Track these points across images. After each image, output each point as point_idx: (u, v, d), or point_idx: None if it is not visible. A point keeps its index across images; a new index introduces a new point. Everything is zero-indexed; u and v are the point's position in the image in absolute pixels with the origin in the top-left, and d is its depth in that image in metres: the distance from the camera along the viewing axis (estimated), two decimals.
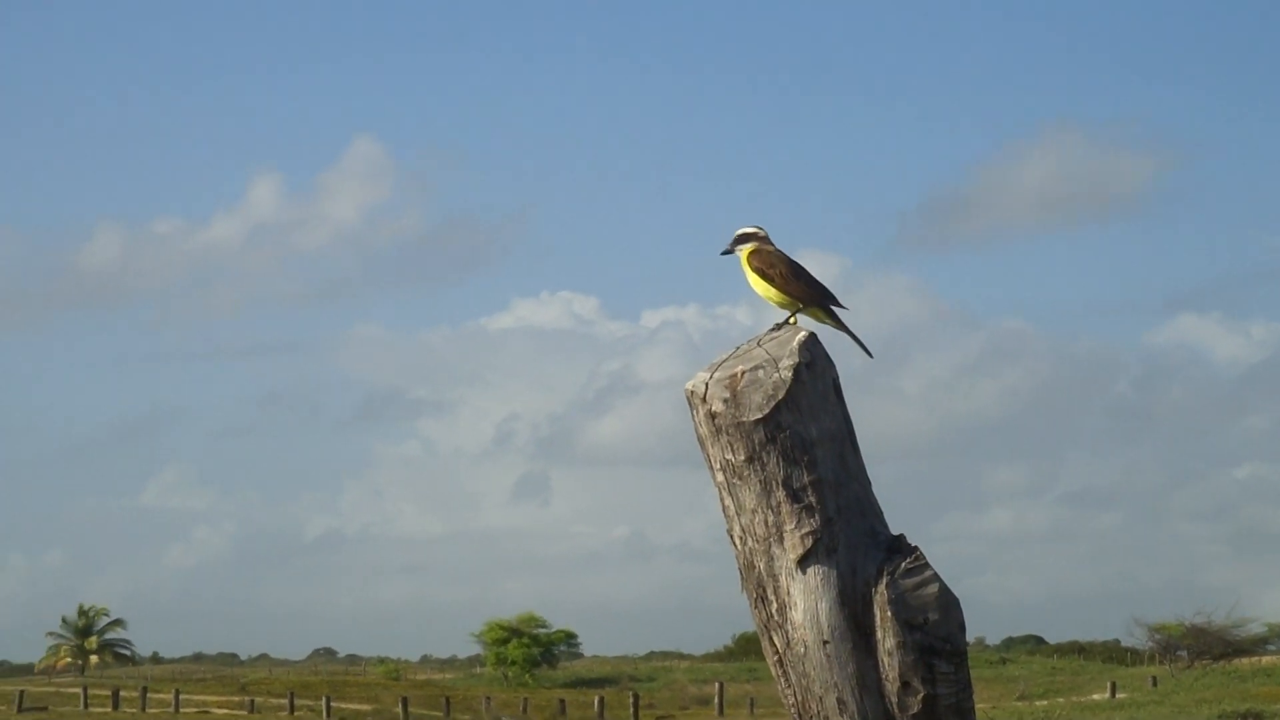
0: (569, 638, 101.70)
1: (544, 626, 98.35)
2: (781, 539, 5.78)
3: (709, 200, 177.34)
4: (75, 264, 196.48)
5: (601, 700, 76.57)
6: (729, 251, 6.79)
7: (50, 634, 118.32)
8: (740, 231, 6.65)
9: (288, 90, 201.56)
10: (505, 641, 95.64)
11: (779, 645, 5.79)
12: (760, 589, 5.86)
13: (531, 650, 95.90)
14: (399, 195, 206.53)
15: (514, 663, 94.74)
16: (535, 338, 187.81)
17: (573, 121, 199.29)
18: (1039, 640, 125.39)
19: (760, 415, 5.85)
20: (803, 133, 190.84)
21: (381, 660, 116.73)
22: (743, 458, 5.88)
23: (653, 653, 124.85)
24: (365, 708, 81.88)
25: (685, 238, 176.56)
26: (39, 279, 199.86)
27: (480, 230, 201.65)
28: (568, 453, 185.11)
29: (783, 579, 5.79)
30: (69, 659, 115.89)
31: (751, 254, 6.60)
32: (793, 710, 5.67)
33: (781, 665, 5.76)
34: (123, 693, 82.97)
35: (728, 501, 5.93)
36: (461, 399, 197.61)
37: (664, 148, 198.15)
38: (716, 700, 72.61)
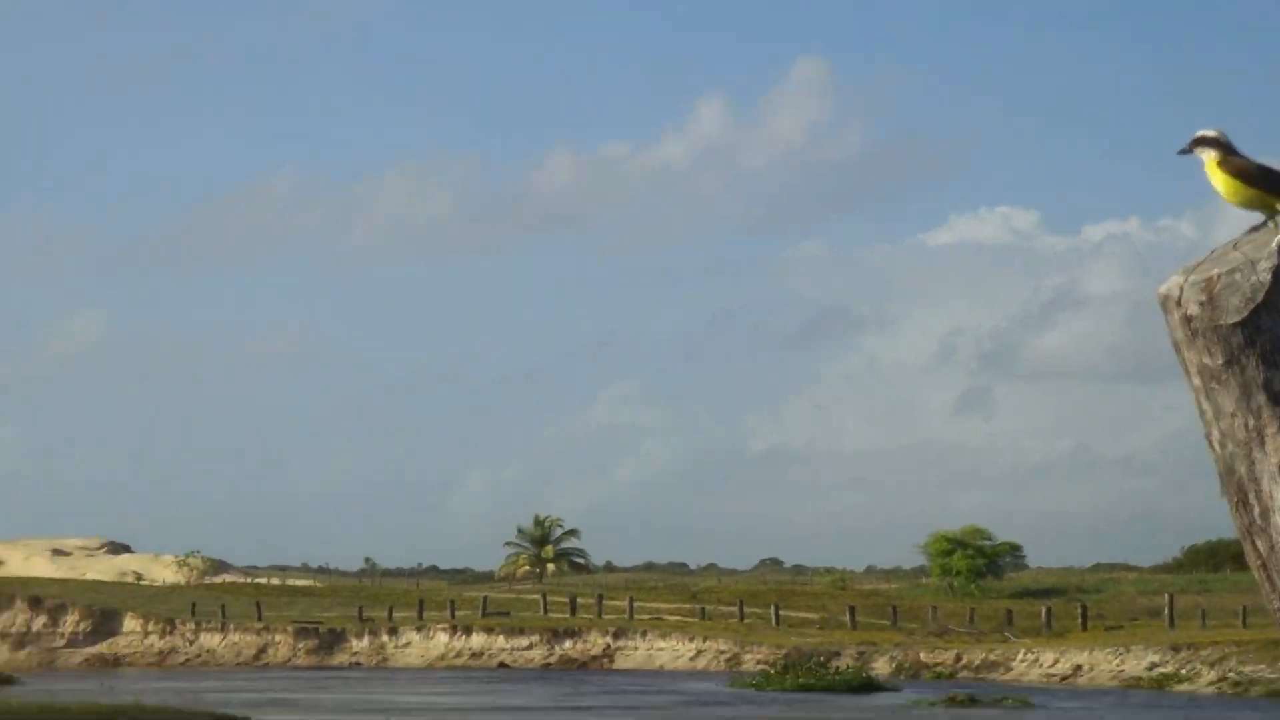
0: (1014, 550, 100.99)
1: (988, 539, 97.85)
2: (1263, 443, 5.71)
3: (1147, 114, 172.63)
4: (530, 188, 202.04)
5: (1049, 611, 75.73)
6: (1186, 151, 6.71)
7: (509, 544, 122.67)
8: (1200, 134, 6.57)
9: (733, 11, 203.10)
10: (950, 553, 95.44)
11: (1262, 550, 5.73)
12: (1241, 494, 5.80)
13: (976, 562, 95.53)
14: (841, 114, 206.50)
15: (959, 574, 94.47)
16: (975, 253, 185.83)
17: (1014, 40, 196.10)
18: None
19: (1238, 318, 5.78)
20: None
21: (828, 570, 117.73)
22: (1220, 361, 5.82)
23: (1099, 565, 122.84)
24: (812, 616, 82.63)
25: (1127, 151, 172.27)
26: (497, 203, 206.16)
27: (920, 147, 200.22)
28: (1011, 367, 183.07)
29: (1264, 483, 5.73)
30: (527, 567, 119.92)
31: (1222, 158, 6.50)
32: (1278, 615, 5.62)
33: (1265, 570, 5.70)
34: (579, 599, 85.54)
35: (1205, 405, 5.87)
36: (904, 314, 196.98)
37: (1107, 60, 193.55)
38: (1167, 612, 71.16)
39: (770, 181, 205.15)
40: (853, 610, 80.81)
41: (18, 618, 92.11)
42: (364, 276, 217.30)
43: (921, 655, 70.96)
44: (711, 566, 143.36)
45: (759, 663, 71.52)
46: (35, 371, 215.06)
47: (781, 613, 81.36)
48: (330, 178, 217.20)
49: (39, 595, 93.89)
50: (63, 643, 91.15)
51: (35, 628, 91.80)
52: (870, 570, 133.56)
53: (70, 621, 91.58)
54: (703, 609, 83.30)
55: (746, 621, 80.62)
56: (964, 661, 70.79)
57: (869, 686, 59.41)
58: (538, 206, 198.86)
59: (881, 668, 69.28)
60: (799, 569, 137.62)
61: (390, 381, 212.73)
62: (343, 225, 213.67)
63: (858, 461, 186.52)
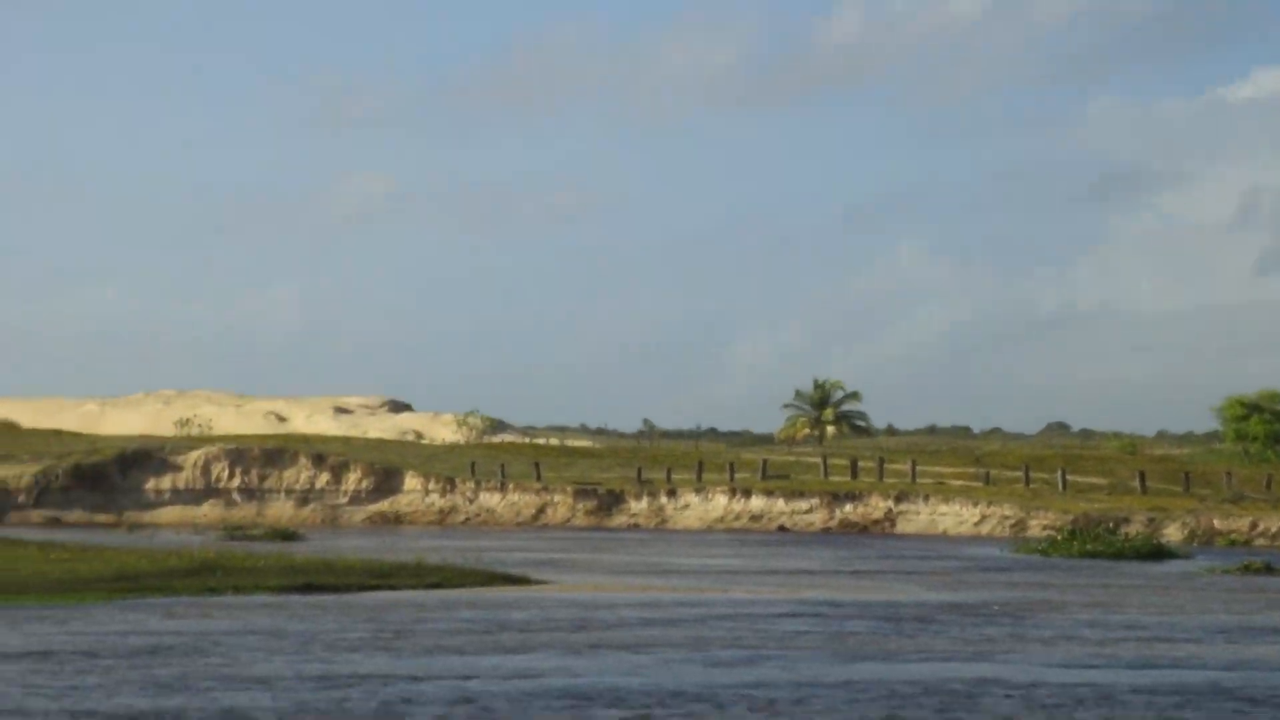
0: None
1: None
2: None
3: None
4: (817, 42, 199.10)
5: None
6: None
7: (787, 405, 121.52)
8: None
9: None
10: (1246, 418, 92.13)
11: None
12: None
13: (1274, 427, 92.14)
14: None
15: (1255, 439, 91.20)
16: (1278, 108, 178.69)
17: None
18: None
19: None
20: None
21: (1116, 435, 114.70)
22: None
23: None
24: (1100, 481, 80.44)
25: None
26: (783, 57, 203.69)
27: None
28: None
29: None
30: (806, 430, 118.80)
31: None
32: None
33: None
34: (860, 463, 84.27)
35: None
36: (1201, 171, 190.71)
37: None
38: None
39: (1064, 34, 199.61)
40: (1142, 476, 78.47)
41: (301, 475, 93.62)
42: (645, 131, 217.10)
43: (1215, 522, 68.94)
44: (996, 430, 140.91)
45: (1045, 529, 69.86)
46: (318, 228, 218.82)
47: (1068, 478, 79.25)
48: (618, 30, 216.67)
49: (322, 453, 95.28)
50: (345, 500, 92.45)
51: (319, 485, 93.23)
52: (1161, 435, 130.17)
53: (352, 479, 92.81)
54: (987, 474, 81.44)
55: (1032, 487, 78.71)
56: (1260, 529, 68.53)
57: (1159, 553, 57.44)
58: (824, 60, 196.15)
59: (1172, 534, 67.30)
60: (1086, 434, 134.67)
61: (670, 239, 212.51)
62: (629, 78, 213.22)
63: (1149, 324, 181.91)
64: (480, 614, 31.78)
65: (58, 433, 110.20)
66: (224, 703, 19.26)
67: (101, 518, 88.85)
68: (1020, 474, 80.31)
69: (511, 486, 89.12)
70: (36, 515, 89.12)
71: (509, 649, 25.55)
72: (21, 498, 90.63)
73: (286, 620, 29.98)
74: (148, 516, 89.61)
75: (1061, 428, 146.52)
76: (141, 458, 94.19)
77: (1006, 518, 74.33)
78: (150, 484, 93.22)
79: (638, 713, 18.75)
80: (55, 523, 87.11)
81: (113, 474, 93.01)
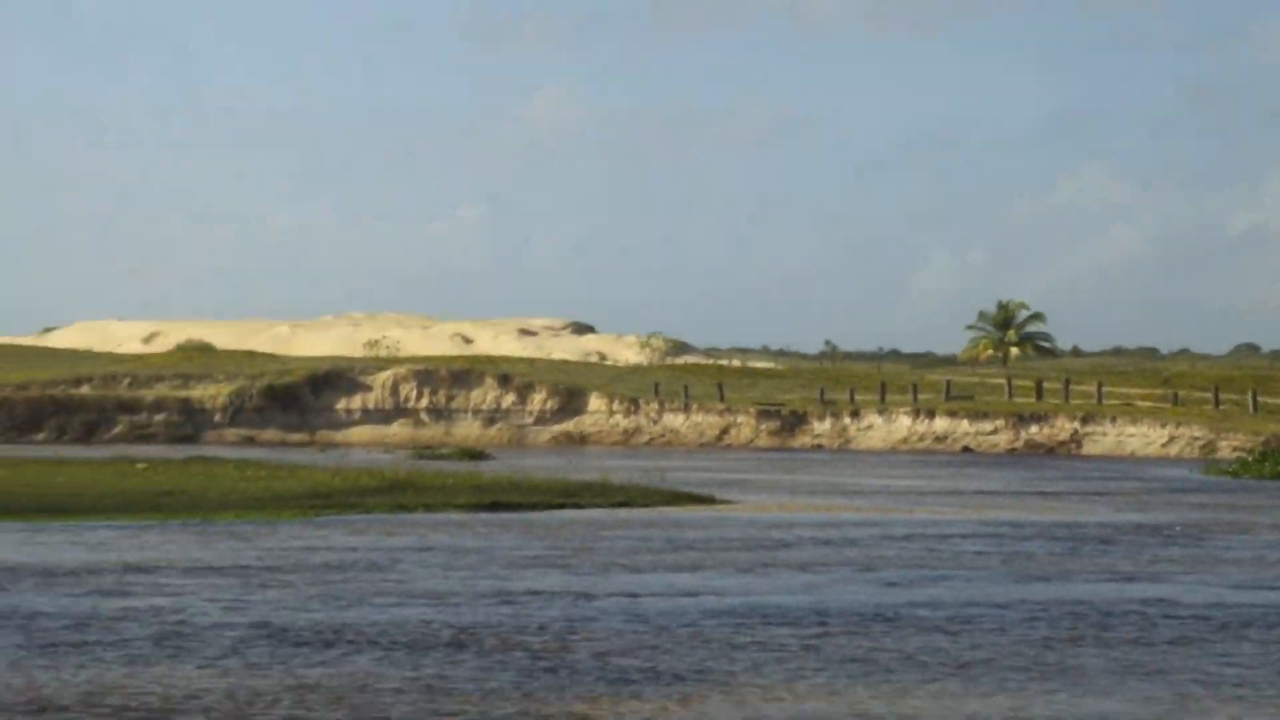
0: None
1: None
2: None
3: None
4: None
5: None
6: None
7: (970, 327, 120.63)
8: None
9: None
10: None
11: None
12: None
13: None
14: None
15: None
16: None
17: None
18: None
19: None
20: None
21: None
22: None
23: None
24: None
25: None
26: None
27: None
28: None
29: None
30: (990, 351, 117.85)
31: None
32: None
33: None
34: (1045, 384, 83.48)
35: None
36: None
37: None
38: None
39: None
40: None
41: (488, 395, 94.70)
42: (829, 52, 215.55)
43: None
44: (1184, 351, 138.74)
45: (1235, 450, 68.85)
46: (504, 151, 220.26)
47: (1259, 399, 77.93)
48: None
49: (508, 374, 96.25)
50: (530, 420, 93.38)
51: (504, 405, 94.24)
52: None
53: (537, 400, 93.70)
54: (1175, 395, 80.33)
55: (1222, 408, 77.51)
56: None
57: None
58: None
59: None
60: (1277, 354, 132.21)
61: (854, 160, 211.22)
62: None
63: None
64: (657, 532, 32.07)
65: (251, 354, 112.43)
66: (397, 617, 19.71)
67: (294, 437, 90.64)
68: (1209, 395, 79.13)
69: (695, 407, 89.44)
70: (232, 434, 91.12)
71: (684, 567, 25.79)
72: (218, 417, 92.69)
73: (467, 538, 30.50)
74: (339, 436, 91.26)
75: (1251, 349, 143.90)
76: (332, 378, 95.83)
77: (1195, 439, 73.34)
78: (341, 404, 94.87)
79: (807, 631, 18.90)
80: (249, 441, 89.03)
81: (305, 394, 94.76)
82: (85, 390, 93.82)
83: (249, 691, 14.74)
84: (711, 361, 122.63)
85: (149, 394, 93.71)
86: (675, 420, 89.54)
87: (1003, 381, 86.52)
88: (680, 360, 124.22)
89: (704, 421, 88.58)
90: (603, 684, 15.37)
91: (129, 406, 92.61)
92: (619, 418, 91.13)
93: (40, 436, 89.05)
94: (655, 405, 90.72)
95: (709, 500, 41.74)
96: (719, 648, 17.59)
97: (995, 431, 79.61)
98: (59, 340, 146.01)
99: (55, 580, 22.92)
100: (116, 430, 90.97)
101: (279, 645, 17.40)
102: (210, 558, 26.32)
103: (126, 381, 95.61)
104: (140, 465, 48.71)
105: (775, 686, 15.42)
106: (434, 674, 15.74)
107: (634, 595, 21.95)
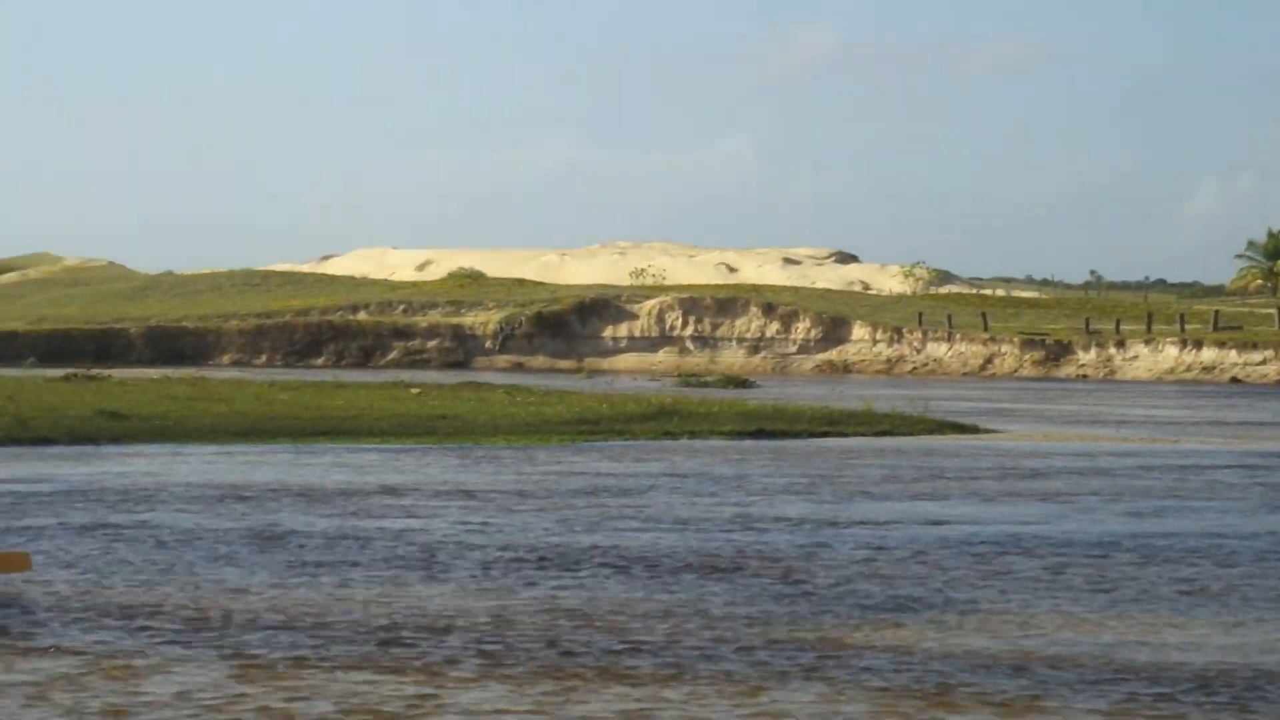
0: None
1: None
2: None
3: None
4: None
5: None
6: None
7: (1239, 256, 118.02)
8: None
9: None
10: None
11: None
12: None
13: None
14: None
15: None
16: None
17: None
18: None
19: None
20: None
21: None
22: None
23: None
24: None
25: None
26: None
27: None
28: None
29: None
30: (1259, 281, 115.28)
31: None
32: None
33: None
34: None
35: None
36: None
37: None
38: None
39: None
40: None
41: (752, 324, 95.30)
42: None
43: None
44: None
45: None
46: (769, 80, 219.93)
47: None
48: None
49: (772, 302, 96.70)
50: (794, 349, 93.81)
51: (769, 334, 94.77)
52: None
53: (801, 328, 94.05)
54: None
55: None
56: None
57: None
58: None
59: None
60: None
61: (1120, 87, 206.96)
62: None
63: None
64: (909, 461, 32.33)
65: (520, 282, 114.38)
66: (643, 542, 20.22)
67: (562, 363, 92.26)
68: None
69: (958, 337, 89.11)
70: (502, 360, 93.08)
71: (932, 495, 26.05)
72: (488, 343, 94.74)
73: (719, 464, 31.03)
74: (605, 363, 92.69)
75: None
76: (599, 306, 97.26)
77: None
78: (607, 331, 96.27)
79: (1047, 561, 19.07)
80: (518, 368, 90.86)
81: (572, 321, 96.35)
82: (362, 316, 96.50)
83: (505, 612, 15.31)
84: (975, 291, 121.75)
85: (422, 320, 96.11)
86: (938, 350, 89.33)
87: (1273, 312, 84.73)
88: (943, 290, 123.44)
89: (968, 351, 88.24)
90: (853, 611, 15.50)
91: (403, 332, 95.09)
92: (882, 347, 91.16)
93: (319, 361, 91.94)
94: (919, 334, 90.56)
95: (972, 429, 41.68)
96: (963, 576, 17.87)
97: (1265, 362, 78.08)
98: (337, 267, 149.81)
99: (316, 501, 23.87)
100: (391, 355, 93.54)
101: (526, 568, 17.99)
102: (467, 481, 27.18)
103: (401, 308, 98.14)
104: (414, 390, 50.14)
105: (1023, 615, 15.45)
106: (681, 600, 16.12)
107: (879, 523, 22.30)
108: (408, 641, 13.83)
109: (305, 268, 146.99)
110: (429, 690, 12.11)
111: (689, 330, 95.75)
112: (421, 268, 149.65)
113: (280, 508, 22.95)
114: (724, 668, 12.99)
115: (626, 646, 13.78)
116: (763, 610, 15.51)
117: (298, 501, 23.69)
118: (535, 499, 24.65)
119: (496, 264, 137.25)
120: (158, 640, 13.69)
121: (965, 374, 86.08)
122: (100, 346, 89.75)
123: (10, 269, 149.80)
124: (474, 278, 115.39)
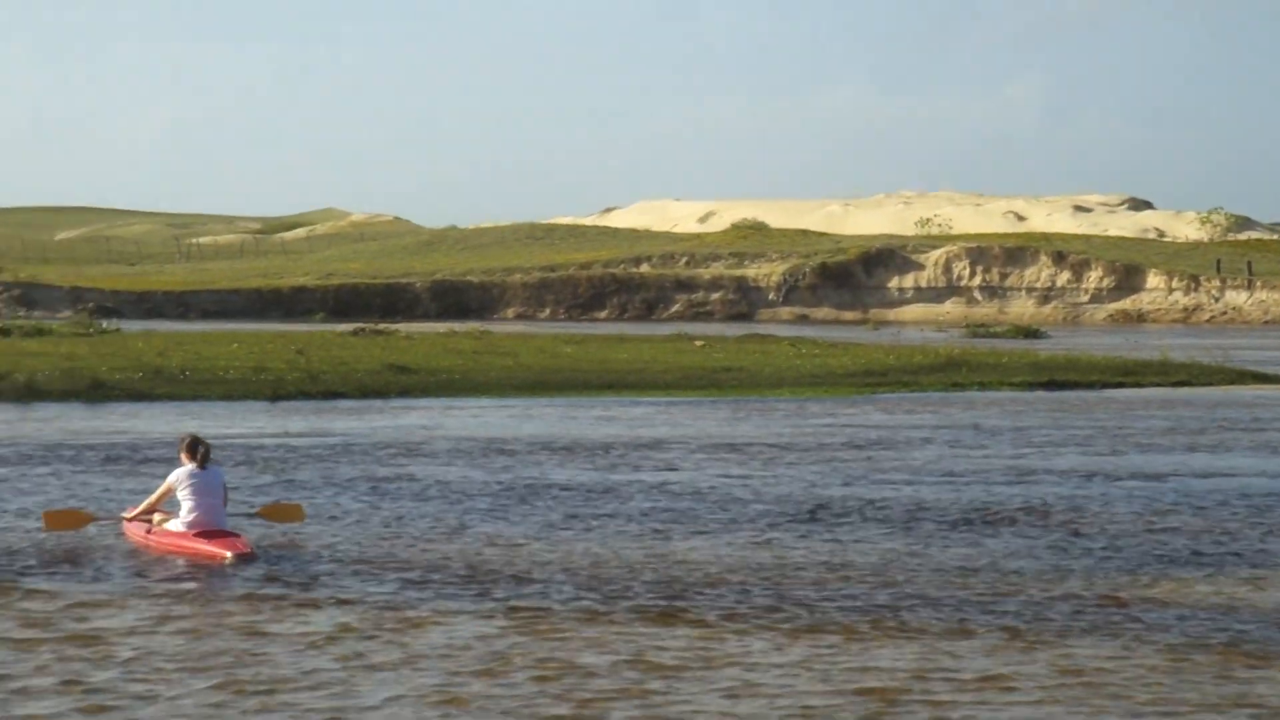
0: None
1: None
2: None
3: None
4: None
5: None
6: None
7: None
8: None
9: None
10: None
11: None
12: None
13: None
14: None
15: None
16: None
17: None
18: None
19: None
20: None
21: None
22: None
23: None
24: None
25: None
26: None
27: None
28: None
29: None
30: None
31: None
32: None
33: None
34: None
35: None
36: None
37: None
38: None
39: None
40: None
41: (1042, 273, 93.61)
42: None
43: None
44: None
45: None
46: (1060, 23, 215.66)
47: None
48: None
49: (1062, 251, 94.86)
50: (1085, 298, 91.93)
51: (1059, 283, 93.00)
52: None
53: (1093, 278, 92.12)
54: None
55: None
56: None
57: None
58: None
59: None
60: None
61: None
62: None
63: None
64: (1191, 413, 31.33)
65: (804, 232, 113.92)
66: (908, 495, 19.79)
67: (847, 315, 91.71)
68: None
69: (1259, 284, 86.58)
70: (785, 312, 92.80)
71: (1209, 448, 25.17)
72: (771, 295, 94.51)
73: (995, 416, 30.30)
74: (891, 314, 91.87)
75: None
76: (884, 257, 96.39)
77: None
78: (893, 282, 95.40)
79: None
80: (802, 319, 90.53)
81: (857, 272, 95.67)
82: (645, 269, 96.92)
83: (778, 564, 15.13)
84: (1276, 237, 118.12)
85: (705, 273, 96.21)
86: (1238, 298, 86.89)
87: None
88: (1243, 236, 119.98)
89: (1269, 299, 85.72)
90: (1133, 564, 15.22)
91: (686, 285, 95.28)
92: (1178, 295, 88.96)
93: (602, 314, 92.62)
94: (1217, 282, 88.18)
95: (1276, 379, 40.38)
96: (1243, 530, 17.27)
97: None
98: (619, 220, 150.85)
99: (578, 455, 23.63)
100: (674, 308, 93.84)
101: (791, 521, 17.74)
102: (734, 434, 26.87)
103: (684, 260, 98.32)
104: (698, 343, 50.12)
105: None
106: (956, 553, 15.82)
107: (1153, 476, 21.57)
108: (680, 594, 13.69)
109: (588, 221, 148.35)
110: (710, 644, 11.96)
111: (976, 280, 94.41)
112: (704, 219, 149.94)
113: (544, 461, 22.90)
114: (1006, 623, 12.67)
115: (903, 600, 13.49)
116: (1035, 566, 15.14)
117: (558, 455, 23.58)
118: (802, 451, 24.30)
119: (779, 215, 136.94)
120: (429, 594, 13.70)
121: (1267, 322, 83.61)
122: (387, 301, 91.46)
123: (298, 224, 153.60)
124: (757, 229, 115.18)
